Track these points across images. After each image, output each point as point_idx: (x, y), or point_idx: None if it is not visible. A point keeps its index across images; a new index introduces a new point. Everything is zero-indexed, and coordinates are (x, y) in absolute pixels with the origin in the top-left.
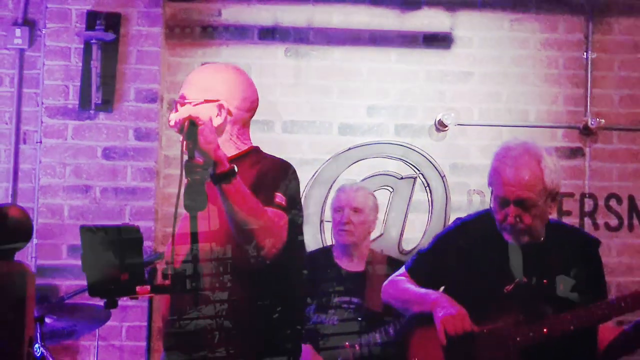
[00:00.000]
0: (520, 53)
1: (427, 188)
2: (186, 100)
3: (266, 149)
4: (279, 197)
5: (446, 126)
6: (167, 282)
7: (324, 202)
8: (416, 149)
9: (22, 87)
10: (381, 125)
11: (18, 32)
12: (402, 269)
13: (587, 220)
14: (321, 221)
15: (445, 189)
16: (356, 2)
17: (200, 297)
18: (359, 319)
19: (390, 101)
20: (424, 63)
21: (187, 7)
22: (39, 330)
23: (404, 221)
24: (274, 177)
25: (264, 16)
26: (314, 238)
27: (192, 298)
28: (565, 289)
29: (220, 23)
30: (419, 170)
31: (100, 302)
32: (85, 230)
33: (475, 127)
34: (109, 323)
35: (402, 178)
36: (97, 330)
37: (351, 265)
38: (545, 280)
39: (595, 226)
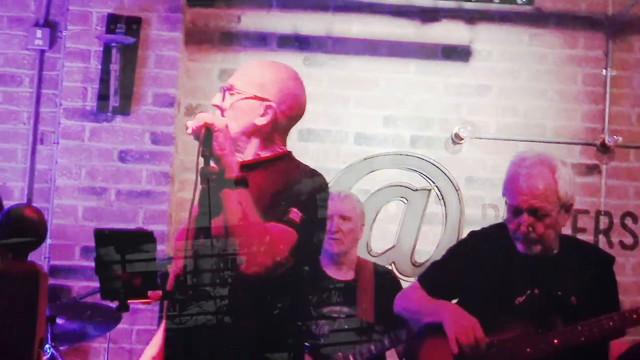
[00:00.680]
0: (539, 68)
1: (442, 201)
2: (235, 90)
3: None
4: (294, 213)
5: (462, 139)
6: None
7: None
8: (431, 161)
9: (41, 87)
10: (397, 136)
11: (39, 33)
12: (415, 281)
13: (601, 238)
14: None
15: (460, 202)
16: (375, 12)
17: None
18: (350, 328)
19: (407, 112)
20: (442, 75)
21: (207, 12)
22: (50, 331)
23: (418, 233)
24: (298, 189)
25: (283, 24)
26: None
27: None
28: (577, 302)
29: (240, 29)
30: (433, 182)
31: (112, 305)
32: (99, 233)
33: (491, 141)
34: (120, 325)
35: (416, 190)
36: (107, 332)
37: (340, 274)
38: (560, 292)
39: (610, 244)
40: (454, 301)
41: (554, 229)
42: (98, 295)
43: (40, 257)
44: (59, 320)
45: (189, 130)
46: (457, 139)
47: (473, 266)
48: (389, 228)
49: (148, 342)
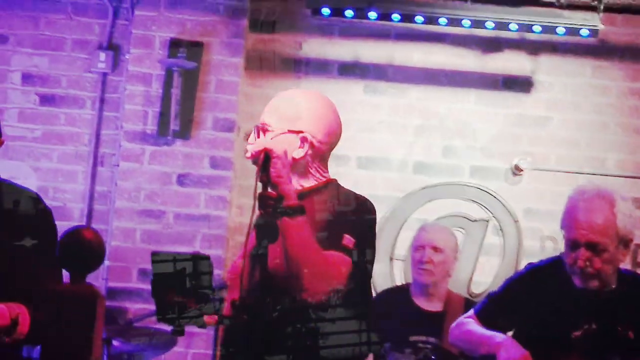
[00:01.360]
0: (601, 100)
1: (500, 232)
2: (268, 128)
3: (341, 183)
4: (347, 239)
5: (522, 170)
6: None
7: (395, 240)
8: (490, 191)
9: (103, 110)
10: (456, 166)
11: (102, 56)
12: (471, 312)
13: None
14: (391, 259)
15: (518, 234)
16: (436, 42)
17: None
18: (434, 358)
19: (467, 142)
20: (503, 106)
21: (269, 38)
22: (106, 353)
23: (475, 264)
24: (348, 216)
25: (344, 51)
26: (382, 275)
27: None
28: (635, 337)
29: (301, 56)
30: (492, 213)
31: (167, 328)
32: (157, 256)
33: (551, 173)
34: (175, 349)
35: (474, 220)
36: (162, 355)
37: (429, 304)
38: (618, 327)
39: None
40: (510, 333)
41: (612, 264)
42: (154, 318)
43: (98, 278)
44: (115, 342)
45: (248, 154)
46: (516, 170)
47: (529, 299)
48: None
49: None
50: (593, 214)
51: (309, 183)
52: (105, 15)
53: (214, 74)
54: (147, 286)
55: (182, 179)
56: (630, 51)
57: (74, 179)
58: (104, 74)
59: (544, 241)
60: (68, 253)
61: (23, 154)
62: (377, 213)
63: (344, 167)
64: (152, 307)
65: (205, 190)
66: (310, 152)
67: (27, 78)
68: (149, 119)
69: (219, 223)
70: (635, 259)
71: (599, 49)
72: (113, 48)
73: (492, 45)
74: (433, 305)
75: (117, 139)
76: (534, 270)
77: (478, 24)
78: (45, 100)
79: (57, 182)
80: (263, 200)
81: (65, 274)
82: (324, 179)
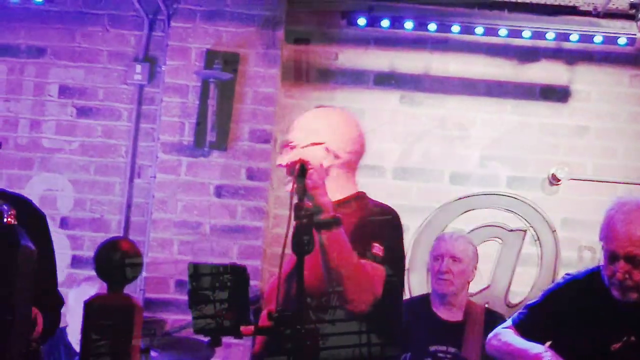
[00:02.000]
0: (639, 110)
1: (537, 242)
2: (292, 144)
3: (376, 194)
4: (377, 248)
5: (559, 180)
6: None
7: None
8: (527, 201)
9: (140, 122)
10: (493, 176)
11: (138, 68)
12: (509, 322)
13: None
14: (428, 269)
15: (556, 244)
16: (473, 52)
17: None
18: None
19: (504, 152)
20: (539, 115)
21: (305, 49)
22: None
23: (512, 274)
24: (375, 226)
25: (380, 62)
26: (420, 285)
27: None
28: None
29: (337, 67)
30: (529, 223)
31: (204, 339)
32: (194, 267)
33: (588, 183)
34: None
35: (511, 230)
36: None
37: (449, 314)
38: None
39: None
40: (547, 344)
41: None
42: (191, 329)
43: (135, 289)
44: (152, 353)
45: (283, 163)
46: (554, 179)
47: (568, 310)
48: (484, 268)
49: None
50: (632, 226)
51: (336, 196)
52: (141, 27)
53: (250, 86)
54: (184, 297)
55: (219, 190)
56: None
57: (111, 191)
58: (141, 86)
59: (581, 251)
60: (106, 264)
61: (60, 166)
62: (413, 223)
63: (379, 178)
64: (189, 317)
65: (242, 202)
66: (335, 162)
67: (64, 90)
68: (185, 130)
69: (256, 234)
70: None
71: (636, 58)
72: (149, 60)
73: (529, 55)
74: (453, 315)
75: (153, 151)
76: (573, 281)
77: (515, 33)
78: (82, 112)
79: (95, 194)
80: (298, 211)
81: (104, 285)
82: (352, 192)
